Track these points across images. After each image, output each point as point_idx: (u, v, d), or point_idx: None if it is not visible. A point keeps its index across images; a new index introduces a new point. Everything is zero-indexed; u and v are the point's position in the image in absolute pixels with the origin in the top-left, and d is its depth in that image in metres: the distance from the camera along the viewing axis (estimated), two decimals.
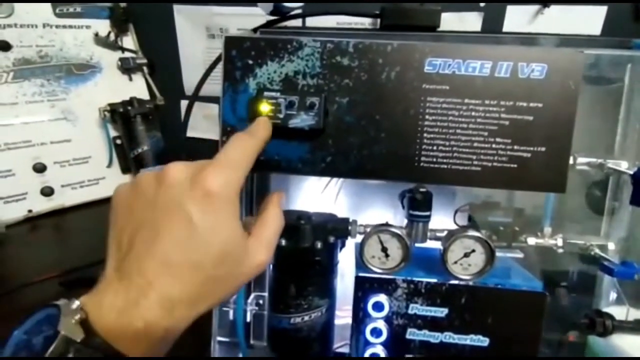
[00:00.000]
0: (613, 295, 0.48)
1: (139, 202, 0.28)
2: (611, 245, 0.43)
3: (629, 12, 0.82)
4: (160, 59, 1.03)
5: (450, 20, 0.85)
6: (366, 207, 0.53)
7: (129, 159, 0.94)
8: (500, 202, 0.45)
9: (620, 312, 0.44)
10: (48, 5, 0.90)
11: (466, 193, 0.46)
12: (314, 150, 0.38)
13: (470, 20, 0.86)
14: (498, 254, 0.44)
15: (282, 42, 0.37)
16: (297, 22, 0.71)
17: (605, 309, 0.45)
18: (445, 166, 0.38)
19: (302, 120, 0.36)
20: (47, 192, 0.86)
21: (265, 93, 0.36)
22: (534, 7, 0.84)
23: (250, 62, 0.38)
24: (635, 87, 0.45)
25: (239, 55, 0.38)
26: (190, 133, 0.96)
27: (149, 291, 0.26)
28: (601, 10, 0.83)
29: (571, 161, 0.40)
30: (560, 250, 0.43)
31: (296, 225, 0.41)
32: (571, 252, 0.44)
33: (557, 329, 0.45)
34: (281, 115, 0.36)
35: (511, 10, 0.86)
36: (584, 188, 0.47)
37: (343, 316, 0.47)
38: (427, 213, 0.42)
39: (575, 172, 0.41)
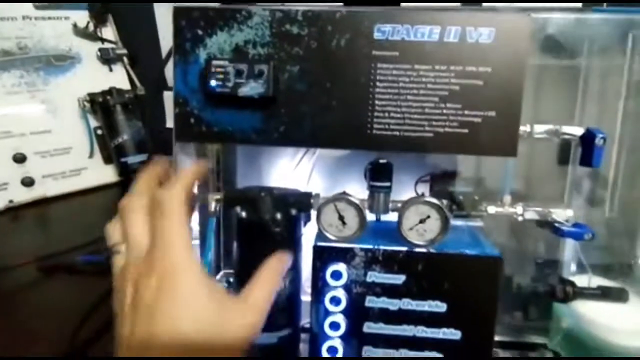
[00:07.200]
0: (574, 267, 0.48)
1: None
2: (569, 212, 0.43)
3: None
4: (142, 50, 1.03)
5: None
6: (340, 187, 0.53)
7: (110, 149, 0.95)
8: (461, 171, 0.45)
9: (584, 280, 0.45)
10: None
11: (432, 164, 0.47)
12: (267, 119, 0.39)
13: None
14: (458, 222, 0.44)
15: (231, 11, 0.37)
16: None
17: (570, 278, 0.45)
18: (398, 133, 0.38)
19: (252, 88, 0.36)
20: (28, 182, 0.86)
21: (214, 62, 0.36)
22: None
23: (200, 32, 0.38)
24: (594, 54, 0.45)
25: (189, 26, 0.38)
26: (170, 124, 0.97)
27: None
28: None
29: (529, 129, 0.40)
30: (520, 219, 0.43)
31: (256, 197, 0.42)
32: (532, 219, 0.44)
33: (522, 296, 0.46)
34: (230, 84, 0.36)
35: None
36: (545, 156, 0.48)
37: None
38: (387, 184, 0.42)
39: (534, 140, 0.41)
